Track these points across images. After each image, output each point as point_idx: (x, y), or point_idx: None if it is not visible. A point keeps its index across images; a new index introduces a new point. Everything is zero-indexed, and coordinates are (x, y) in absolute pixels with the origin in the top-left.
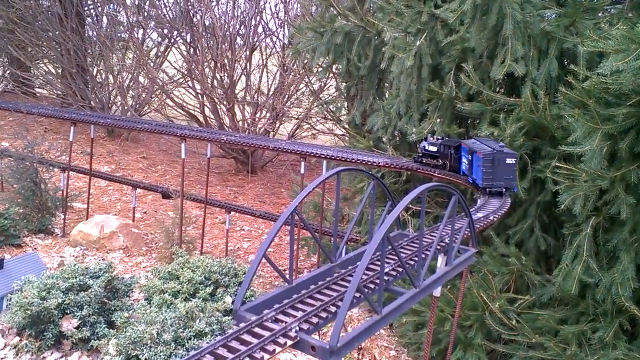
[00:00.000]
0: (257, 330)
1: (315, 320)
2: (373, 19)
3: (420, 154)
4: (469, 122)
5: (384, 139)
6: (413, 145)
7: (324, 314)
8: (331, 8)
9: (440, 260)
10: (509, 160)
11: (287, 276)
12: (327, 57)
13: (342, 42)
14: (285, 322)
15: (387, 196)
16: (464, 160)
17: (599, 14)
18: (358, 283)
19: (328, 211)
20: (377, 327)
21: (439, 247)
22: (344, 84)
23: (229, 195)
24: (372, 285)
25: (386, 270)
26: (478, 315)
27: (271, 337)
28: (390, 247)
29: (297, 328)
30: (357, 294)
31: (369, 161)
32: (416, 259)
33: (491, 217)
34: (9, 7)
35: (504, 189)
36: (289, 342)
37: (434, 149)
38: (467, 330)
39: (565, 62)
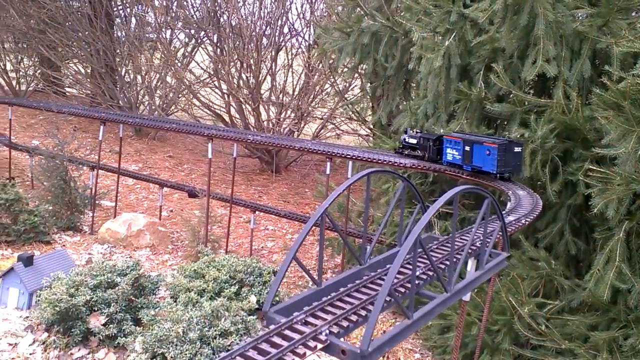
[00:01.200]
0: (287, 332)
1: (345, 323)
2: (400, 18)
3: (402, 146)
4: (497, 123)
5: None
6: None
7: (354, 317)
8: (358, 8)
9: (470, 264)
10: (516, 149)
11: (316, 278)
12: (353, 58)
13: (369, 42)
14: (316, 325)
15: (416, 198)
16: (450, 151)
17: (633, 14)
18: (390, 287)
19: (351, 212)
20: (408, 332)
21: (470, 250)
22: (370, 84)
23: (254, 194)
24: (402, 289)
25: (417, 273)
26: (506, 320)
27: (301, 340)
28: (421, 250)
29: (328, 331)
30: (388, 298)
31: (396, 162)
32: (447, 262)
33: (523, 221)
34: (40, 8)
35: (507, 172)
36: (320, 346)
37: (414, 141)
38: (494, 334)
39: (598, 63)
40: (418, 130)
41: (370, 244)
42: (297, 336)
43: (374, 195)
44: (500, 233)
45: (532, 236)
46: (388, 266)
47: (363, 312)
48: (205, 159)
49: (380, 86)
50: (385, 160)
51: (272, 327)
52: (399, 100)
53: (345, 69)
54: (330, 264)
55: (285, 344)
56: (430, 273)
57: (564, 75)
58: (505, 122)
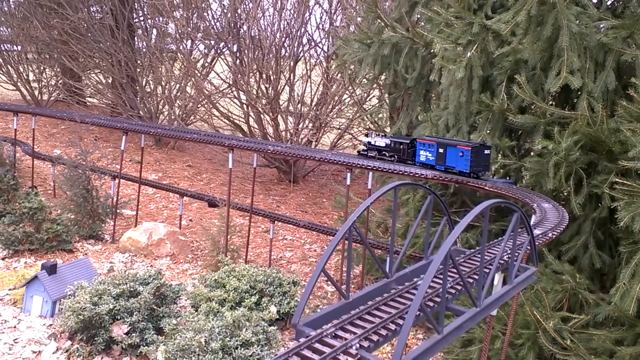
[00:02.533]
0: (317, 345)
1: (375, 337)
2: (421, 30)
3: (366, 149)
4: (520, 134)
5: None
6: None
7: (383, 332)
8: (378, 20)
9: (497, 278)
10: (486, 152)
11: (344, 291)
12: (373, 69)
13: (389, 53)
14: (345, 339)
15: (439, 210)
16: (423, 152)
17: None
18: (421, 301)
19: (371, 223)
20: (438, 347)
21: (498, 264)
22: (389, 95)
23: (272, 204)
24: (431, 303)
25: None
26: (530, 334)
27: (332, 353)
28: (451, 263)
29: (358, 345)
30: (418, 312)
31: (417, 173)
32: (475, 276)
33: (550, 234)
34: (63, 19)
35: (480, 172)
36: None
37: (383, 143)
38: (518, 348)
39: (622, 75)
40: (383, 134)
41: (397, 257)
42: (327, 350)
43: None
44: (529, 247)
45: (555, 249)
46: (415, 280)
47: (393, 326)
48: (223, 168)
49: (400, 97)
50: (405, 172)
51: (302, 340)
52: (419, 111)
53: (365, 80)
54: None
55: (316, 357)
56: (459, 287)
57: (588, 87)
58: (528, 134)
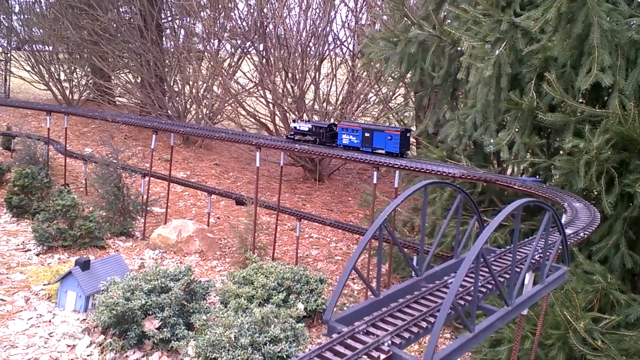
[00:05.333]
0: (349, 342)
1: (407, 334)
2: (449, 28)
3: (292, 133)
4: (550, 132)
5: (457, 150)
6: (489, 155)
7: (415, 329)
8: (405, 18)
9: (528, 277)
10: (408, 135)
11: (374, 288)
12: (399, 67)
13: (416, 51)
14: (377, 336)
15: (472, 210)
16: (346, 136)
17: None
18: (453, 299)
19: (397, 221)
20: (469, 345)
21: (530, 264)
22: (416, 93)
23: (297, 202)
24: (462, 302)
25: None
26: (560, 334)
27: (364, 350)
28: (483, 262)
29: (390, 342)
30: (450, 310)
31: (444, 172)
32: (505, 275)
33: (581, 234)
34: (94, 19)
35: (406, 151)
36: (382, 356)
37: (306, 128)
38: (548, 348)
39: None
40: (307, 120)
41: (426, 256)
42: (360, 346)
43: (420, 205)
44: (561, 246)
45: (585, 249)
46: (446, 278)
47: (424, 324)
48: (249, 166)
49: (427, 95)
50: (432, 170)
51: (334, 336)
52: (446, 109)
53: (391, 79)
54: (375, 272)
55: (349, 353)
56: (490, 286)
57: (620, 84)
58: (558, 132)
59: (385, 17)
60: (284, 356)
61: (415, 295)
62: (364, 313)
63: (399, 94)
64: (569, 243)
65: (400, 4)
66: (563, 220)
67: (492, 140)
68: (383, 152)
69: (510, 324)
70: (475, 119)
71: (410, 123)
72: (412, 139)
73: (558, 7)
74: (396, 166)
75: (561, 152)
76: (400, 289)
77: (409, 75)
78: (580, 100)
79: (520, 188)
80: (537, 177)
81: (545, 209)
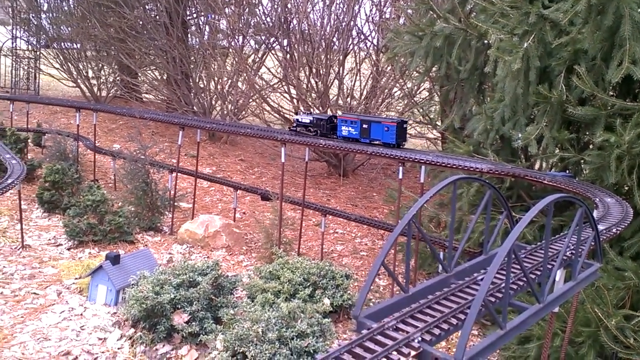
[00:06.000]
0: (379, 338)
1: (437, 331)
2: (475, 21)
3: (295, 125)
4: (579, 126)
5: (484, 144)
6: (517, 150)
7: (445, 325)
8: (430, 11)
9: (559, 274)
10: (405, 126)
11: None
12: (425, 61)
13: (441, 45)
14: (407, 332)
15: (501, 206)
16: (345, 128)
17: None
18: (484, 295)
19: (423, 217)
20: (501, 342)
21: (562, 260)
22: (442, 87)
23: (322, 198)
24: (492, 299)
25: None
26: (591, 332)
27: (394, 346)
28: (514, 259)
29: (420, 338)
30: (481, 307)
31: (471, 167)
32: (537, 272)
33: (614, 230)
34: (121, 17)
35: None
36: (412, 353)
37: (307, 120)
38: (578, 346)
39: None
40: (309, 113)
41: (456, 252)
42: (390, 342)
43: (446, 200)
44: (593, 242)
45: (617, 245)
46: (475, 275)
47: (454, 321)
48: (274, 162)
49: (453, 89)
50: (459, 165)
51: (364, 332)
52: (472, 103)
53: (416, 73)
54: (401, 268)
55: (379, 349)
56: (521, 283)
57: None
58: (588, 126)
59: (410, 11)
60: (311, 351)
61: (445, 292)
62: (393, 309)
63: (424, 88)
64: (601, 239)
65: None
66: (594, 216)
67: (520, 135)
68: (380, 142)
69: (540, 321)
70: (504, 113)
71: (435, 117)
72: (437, 134)
73: None
74: (422, 161)
75: (591, 146)
76: (429, 286)
77: (434, 69)
78: (611, 94)
79: (550, 183)
80: (567, 171)
81: (578, 205)
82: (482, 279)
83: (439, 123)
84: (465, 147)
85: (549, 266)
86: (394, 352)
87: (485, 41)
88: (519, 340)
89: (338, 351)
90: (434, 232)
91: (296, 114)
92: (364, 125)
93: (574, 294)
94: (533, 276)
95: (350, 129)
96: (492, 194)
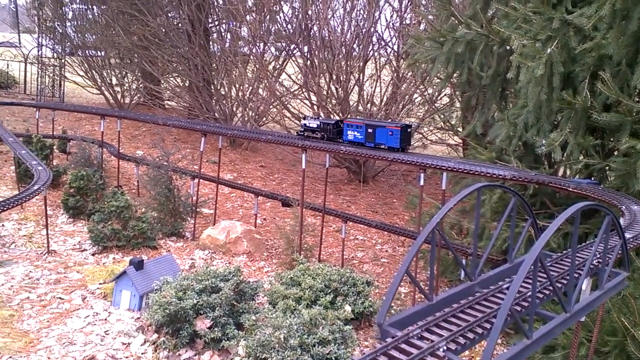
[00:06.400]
0: (404, 346)
1: (462, 340)
2: (497, 26)
3: (302, 130)
4: (604, 132)
5: (507, 151)
6: (540, 156)
7: (471, 335)
8: (451, 17)
9: (585, 283)
10: (409, 130)
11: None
12: (446, 67)
13: (463, 51)
14: (432, 341)
15: (526, 213)
16: (351, 132)
17: None
18: (511, 304)
19: (444, 224)
20: (527, 352)
21: (589, 269)
22: (463, 93)
23: (342, 204)
24: (518, 307)
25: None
26: (618, 341)
27: (419, 355)
28: (540, 267)
29: (445, 347)
30: (507, 316)
31: (494, 174)
32: (563, 281)
33: None
34: (144, 25)
35: (408, 147)
36: None
37: (314, 125)
38: (604, 356)
39: None
40: (316, 117)
41: (480, 260)
42: (414, 351)
43: (468, 207)
44: (620, 251)
45: None
46: (500, 283)
47: (480, 330)
48: (294, 168)
49: (475, 96)
50: (482, 172)
51: (388, 340)
52: (494, 109)
53: (437, 79)
54: (422, 275)
55: (403, 358)
56: (547, 292)
57: None
58: (613, 132)
59: (431, 17)
60: (333, 358)
61: (470, 301)
62: (417, 317)
63: (445, 94)
64: (628, 248)
65: (446, 3)
66: (623, 224)
67: (544, 141)
68: (385, 147)
69: (565, 330)
70: (527, 119)
71: (457, 124)
72: (458, 140)
73: (612, 3)
74: (444, 168)
75: (616, 153)
76: (453, 294)
77: (455, 75)
78: (637, 100)
79: (575, 190)
80: (592, 179)
81: (604, 213)
82: (507, 288)
83: (460, 129)
84: (488, 154)
85: (576, 275)
86: None
87: (508, 47)
88: (543, 350)
89: (362, 359)
90: (455, 240)
91: (304, 118)
92: (369, 130)
93: (601, 303)
94: (559, 285)
95: (355, 133)
96: (517, 202)
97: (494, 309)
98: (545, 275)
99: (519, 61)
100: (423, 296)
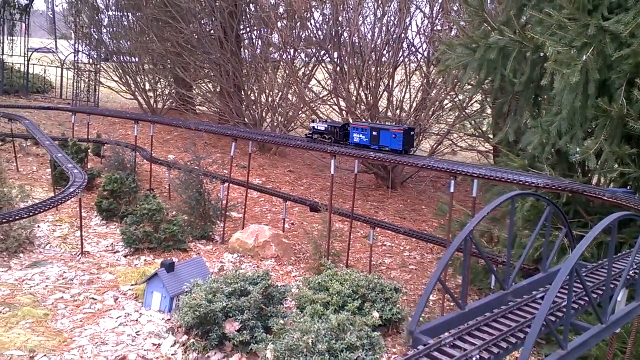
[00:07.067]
0: (436, 354)
1: (495, 350)
2: (531, 33)
3: (312, 133)
4: None
5: (540, 159)
6: (574, 165)
7: (504, 344)
8: (484, 24)
9: (622, 295)
10: (412, 133)
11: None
12: (479, 74)
13: (496, 57)
14: (465, 350)
15: (562, 223)
16: (357, 135)
17: None
18: (546, 315)
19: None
20: None
21: (625, 280)
22: (496, 100)
23: (370, 210)
24: (553, 318)
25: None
26: None
27: None
28: (576, 277)
29: (478, 357)
30: (542, 326)
31: (527, 182)
32: (599, 292)
33: None
34: (178, 32)
35: (411, 150)
36: None
37: (323, 128)
38: None
39: None
40: (324, 121)
41: (514, 269)
42: (447, 359)
43: (499, 215)
44: None
45: None
46: (535, 293)
47: (513, 340)
48: (322, 174)
49: (507, 102)
50: (514, 180)
51: (420, 347)
52: (527, 116)
53: (468, 86)
54: (450, 284)
55: None
56: (582, 302)
57: None
58: None
59: (463, 23)
60: None
61: (503, 310)
62: (449, 326)
63: (475, 101)
64: None
65: (479, 9)
66: None
67: (578, 149)
68: (388, 149)
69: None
70: (560, 126)
71: (488, 131)
72: (489, 147)
73: None
74: (475, 175)
75: None
76: (486, 303)
77: (487, 81)
78: None
79: (610, 200)
80: (628, 188)
81: None
82: (541, 297)
83: (491, 136)
84: (520, 161)
85: (612, 286)
86: None
87: (542, 54)
88: None
89: None
90: (486, 248)
91: (313, 122)
92: (374, 133)
93: (637, 315)
94: (595, 296)
95: (361, 136)
96: (552, 210)
97: (527, 319)
98: (580, 286)
99: (553, 68)
100: (454, 304)
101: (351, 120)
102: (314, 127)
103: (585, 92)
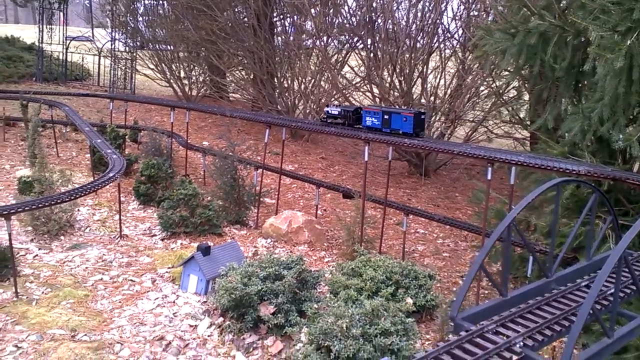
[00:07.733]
0: (479, 341)
1: (539, 337)
2: (573, 17)
3: (325, 117)
4: None
5: (580, 145)
6: (615, 151)
7: (548, 332)
8: (524, 8)
9: None
10: (422, 117)
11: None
12: (518, 59)
13: (536, 42)
14: (508, 336)
15: (608, 210)
16: (369, 118)
17: None
18: (593, 302)
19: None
20: (607, 352)
21: None
22: (534, 86)
23: (402, 197)
24: (598, 306)
25: (613, 291)
26: None
27: (496, 350)
28: (624, 264)
29: (522, 343)
30: (589, 314)
31: (567, 169)
32: None
33: None
34: (212, 20)
35: (420, 132)
36: (514, 357)
37: (336, 112)
38: None
39: None
40: (338, 105)
41: (555, 257)
42: (490, 345)
43: (537, 203)
44: None
45: None
46: (579, 281)
47: (557, 327)
48: (354, 160)
49: (547, 89)
50: (553, 167)
51: (462, 333)
52: (567, 103)
53: (506, 72)
54: (490, 270)
55: (479, 352)
56: (628, 290)
57: None
58: None
59: (500, 8)
60: (395, 349)
61: (546, 298)
62: (491, 312)
63: (512, 87)
64: None
65: None
66: None
67: (621, 136)
68: (400, 132)
69: None
70: (602, 112)
71: (525, 117)
72: (525, 134)
73: None
74: (513, 162)
75: None
76: (528, 290)
77: (526, 67)
78: None
79: None
80: None
81: None
82: (586, 285)
83: (529, 123)
84: (560, 148)
85: None
86: (495, 356)
87: (583, 38)
88: None
89: (437, 351)
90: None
91: (327, 106)
92: (385, 116)
93: None
94: None
95: (373, 119)
96: (597, 198)
97: (572, 307)
98: (628, 273)
99: (596, 53)
100: (487, 292)
101: (383, 106)
102: (327, 112)
103: (629, 77)
